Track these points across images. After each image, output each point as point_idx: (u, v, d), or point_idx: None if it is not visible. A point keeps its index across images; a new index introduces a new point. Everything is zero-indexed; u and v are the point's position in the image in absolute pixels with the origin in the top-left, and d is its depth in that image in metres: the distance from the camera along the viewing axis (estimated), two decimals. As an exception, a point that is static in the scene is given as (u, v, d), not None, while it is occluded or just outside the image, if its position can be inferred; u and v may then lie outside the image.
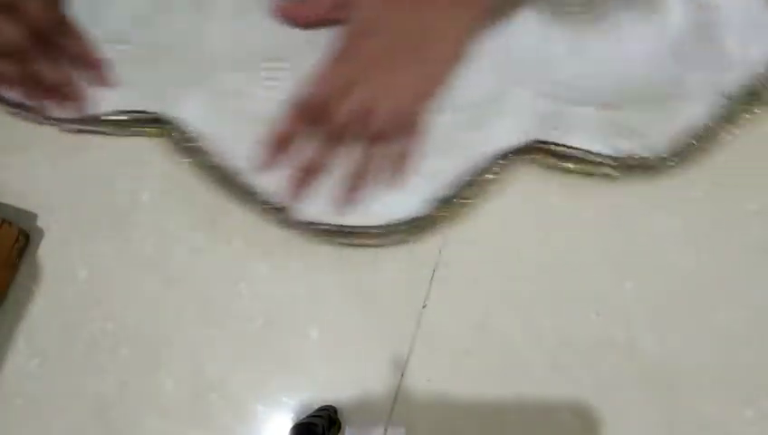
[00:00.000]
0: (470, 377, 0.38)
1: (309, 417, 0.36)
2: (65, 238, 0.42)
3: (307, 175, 0.39)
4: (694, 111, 0.39)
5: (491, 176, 0.40)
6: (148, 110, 0.42)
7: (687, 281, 0.38)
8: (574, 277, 0.39)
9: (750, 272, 0.38)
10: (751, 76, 0.40)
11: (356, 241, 0.40)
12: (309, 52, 0.39)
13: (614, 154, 0.39)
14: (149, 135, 0.43)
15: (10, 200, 0.43)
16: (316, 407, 0.37)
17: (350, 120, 0.37)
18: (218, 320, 0.40)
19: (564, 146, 0.39)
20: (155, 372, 0.39)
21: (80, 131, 0.43)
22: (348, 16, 0.38)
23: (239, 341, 0.39)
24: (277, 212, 0.40)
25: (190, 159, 0.41)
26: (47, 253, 0.42)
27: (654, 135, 0.39)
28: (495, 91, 0.40)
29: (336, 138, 0.38)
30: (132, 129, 0.42)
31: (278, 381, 0.39)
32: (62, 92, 0.41)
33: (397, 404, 0.37)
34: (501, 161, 0.40)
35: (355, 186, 0.39)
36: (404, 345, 0.38)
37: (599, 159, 0.39)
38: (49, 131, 0.44)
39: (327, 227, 0.39)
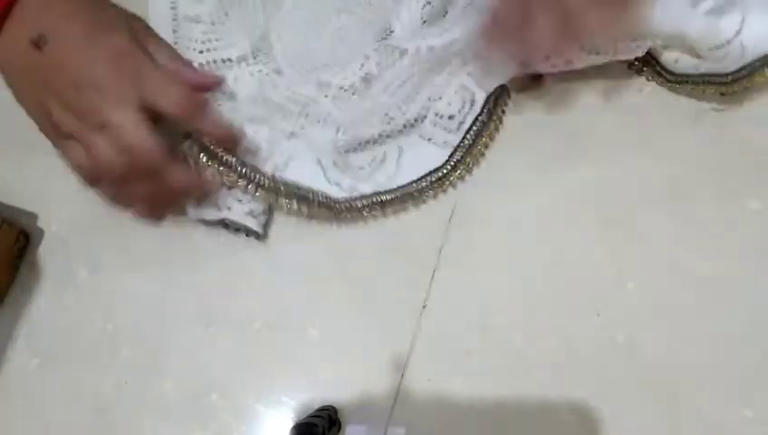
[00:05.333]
0: (470, 377, 0.38)
1: (309, 417, 0.36)
2: (65, 238, 0.42)
3: None
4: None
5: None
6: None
7: (688, 281, 0.38)
8: (575, 277, 0.39)
9: (750, 272, 0.38)
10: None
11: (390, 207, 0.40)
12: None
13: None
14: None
15: (10, 200, 0.43)
16: (316, 407, 0.37)
17: None
18: (218, 320, 0.40)
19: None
20: (155, 371, 0.39)
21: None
22: None
23: (239, 341, 0.39)
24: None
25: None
26: (47, 253, 0.42)
27: None
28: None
29: None
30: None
31: (278, 381, 0.39)
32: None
33: (397, 404, 0.37)
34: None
35: None
36: (404, 345, 0.38)
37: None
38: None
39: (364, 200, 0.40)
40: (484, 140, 0.41)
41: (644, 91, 0.42)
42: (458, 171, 0.41)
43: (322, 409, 0.37)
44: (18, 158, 0.44)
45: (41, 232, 0.42)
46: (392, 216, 0.41)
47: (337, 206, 0.39)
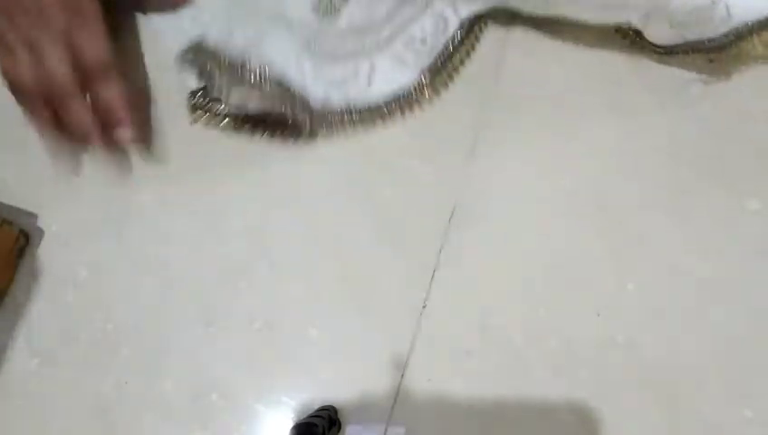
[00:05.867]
0: (470, 377, 0.38)
1: (309, 417, 0.36)
2: (65, 238, 0.42)
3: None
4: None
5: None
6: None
7: (688, 282, 0.38)
8: (576, 278, 0.39)
9: (750, 273, 0.38)
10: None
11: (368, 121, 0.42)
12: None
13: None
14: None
15: (10, 200, 0.43)
16: (316, 407, 0.37)
17: None
18: (218, 320, 0.40)
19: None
20: (155, 371, 0.39)
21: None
22: None
23: (239, 341, 0.39)
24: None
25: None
26: (47, 253, 0.42)
27: None
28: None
29: None
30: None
31: (278, 381, 0.39)
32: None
33: (397, 404, 0.37)
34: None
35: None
36: (404, 345, 0.38)
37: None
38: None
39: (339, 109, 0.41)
40: (453, 63, 0.43)
41: (644, 90, 0.42)
42: (426, 93, 0.42)
43: (322, 409, 0.37)
44: (18, 158, 0.44)
45: (41, 232, 0.42)
46: (361, 130, 0.42)
47: (315, 110, 0.40)
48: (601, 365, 0.37)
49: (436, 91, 0.43)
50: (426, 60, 0.43)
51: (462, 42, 0.43)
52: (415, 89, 0.42)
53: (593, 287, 0.39)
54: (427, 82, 0.42)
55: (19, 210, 0.43)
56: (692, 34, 0.38)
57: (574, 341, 0.38)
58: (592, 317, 0.38)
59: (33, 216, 0.43)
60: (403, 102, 0.42)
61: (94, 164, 0.43)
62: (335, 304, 0.40)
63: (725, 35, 0.38)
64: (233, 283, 0.41)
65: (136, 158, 0.43)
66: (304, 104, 0.40)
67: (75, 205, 0.42)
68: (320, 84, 0.41)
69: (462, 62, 0.43)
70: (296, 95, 0.40)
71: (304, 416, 0.36)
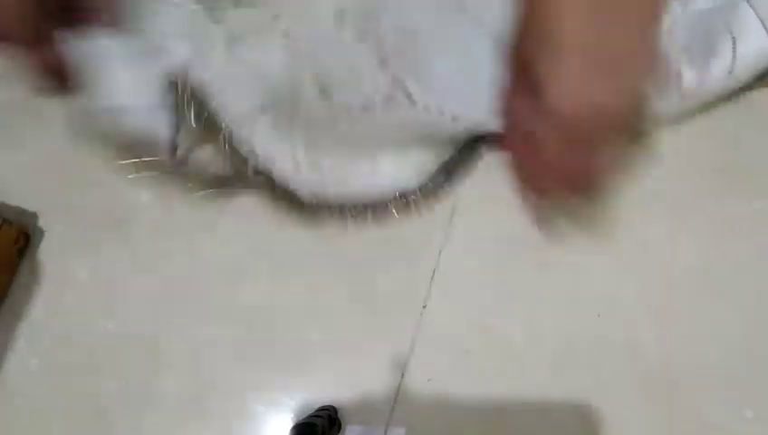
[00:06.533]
0: (470, 377, 0.38)
1: (309, 417, 0.36)
2: (65, 238, 0.42)
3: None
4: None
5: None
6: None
7: (689, 282, 0.38)
8: (575, 278, 0.39)
9: (751, 272, 0.38)
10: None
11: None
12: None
13: None
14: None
15: (10, 200, 0.43)
16: (316, 407, 0.37)
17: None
18: (218, 320, 0.40)
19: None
20: (155, 372, 0.39)
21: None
22: None
23: (239, 341, 0.39)
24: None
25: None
26: (47, 253, 0.42)
27: None
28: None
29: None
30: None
31: (278, 381, 0.39)
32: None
33: (397, 404, 0.37)
34: None
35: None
36: (404, 345, 0.38)
37: None
38: (49, 130, 0.44)
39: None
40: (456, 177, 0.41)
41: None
42: (423, 192, 0.40)
43: (322, 409, 0.37)
44: (18, 158, 0.44)
45: (41, 232, 0.42)
46: (353, 225, 0.41)
47: (305, 204, 0.39)
48: (601, 365, 0.37)
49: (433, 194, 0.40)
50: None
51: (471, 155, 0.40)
52: (414, 190, 0.40)
53: (593, 287, 0.39)
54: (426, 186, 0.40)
55: (19, 210, 0.43)
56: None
57: (574, 340, 0.38)
58: (592, 317, 0.38)
59: (33, 216, 0.43)
60: (404, 201, 0.40)
61: (95, 165, 0.44)
62: (335, 305, 0.40)
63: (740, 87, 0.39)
64: (233, 283, 0.41)
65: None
66: (292, 196, 0.39)
67: (75, 205, 0.43)
68: (313, 177, 0.39)
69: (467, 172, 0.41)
70: (284, 186, 0.38)
71: (304, 416, 0.36)
